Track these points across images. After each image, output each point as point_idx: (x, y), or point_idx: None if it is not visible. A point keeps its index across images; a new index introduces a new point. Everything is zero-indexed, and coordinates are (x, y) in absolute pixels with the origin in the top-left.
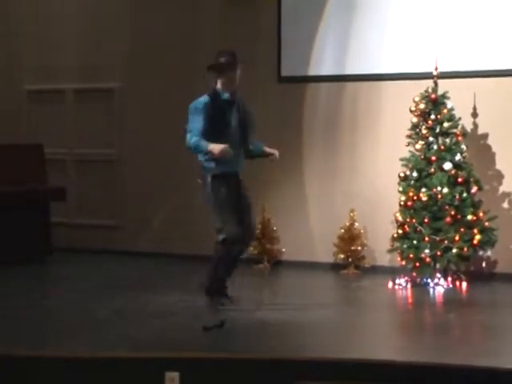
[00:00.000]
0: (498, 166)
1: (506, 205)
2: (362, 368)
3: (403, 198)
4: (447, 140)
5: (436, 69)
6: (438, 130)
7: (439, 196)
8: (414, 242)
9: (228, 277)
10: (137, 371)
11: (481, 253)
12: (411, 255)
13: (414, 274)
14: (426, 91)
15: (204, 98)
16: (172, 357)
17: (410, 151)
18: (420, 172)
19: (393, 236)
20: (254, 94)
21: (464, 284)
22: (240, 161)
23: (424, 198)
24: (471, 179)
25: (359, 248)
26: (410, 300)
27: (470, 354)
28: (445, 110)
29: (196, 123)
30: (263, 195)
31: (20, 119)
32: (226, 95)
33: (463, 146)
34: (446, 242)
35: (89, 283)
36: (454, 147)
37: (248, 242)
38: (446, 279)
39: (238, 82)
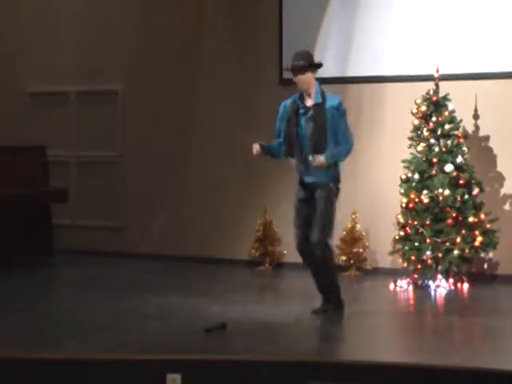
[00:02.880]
0: (500, 168)
1: (507, 207)
2: (366, 370)
3: (405, 199)
4: (448, 142)
5: (437, 71)
6: (439, 132)
7: (441, 198)
8: (416, 243)
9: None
10: (138, 373)
11: (482, 255)
12: (413, 257)
13: (416, 275)
14: (428, 93)
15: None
16: (174, 358)
17: (411, 153)
18: (422, 174)
19: (394, 238)
20: (256, 97)
21: (466, 286)
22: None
23: (425, 200)
24: (472, 181)
25: (361, 250)
26: (411, 302)
27: (472, 355)
28: (446, 112)
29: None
30: (265, 197)
31: (23, 121)
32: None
33: (464, 148)
34: (447, 243)
35: (90, 285)
36: (455, 149)
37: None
38: (447, 281)
39: (302, 86)
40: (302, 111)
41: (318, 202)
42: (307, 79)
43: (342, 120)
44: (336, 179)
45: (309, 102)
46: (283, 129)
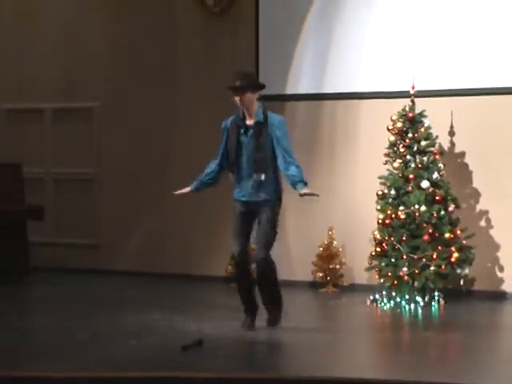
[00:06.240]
0: (475, 185)
1: (483, 223)
2: None
3: (381, 216)
4: (424, 158)
5: (413, 87)
6: (415, 149)
7: (417, 214)
8: (392, 260)
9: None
10: None
11: (458, 271)
12: (389, 273)
13: (392, 292)
14: (404, 110)
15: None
16: (150, 376)
17: (387, 169)
18: (398, 190)
19: (371, 254)
20: (232, 113)
21: (441, 302)
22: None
23: (402, 216)
24: (448, 197)
25: (337, 266)
26: (387, 318)
27: (447, 372)
28: (422, 129)
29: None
30: None
31: None
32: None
33: (440, 165)
34: (423, 259)
35: (66, 303)
36: (431, 165)
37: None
38: (423, 297)
39: (242, 105)
40: (242, 130)
41: (262, 219)
42: (248, 99)
43: (285, 138)
44: (278, 195)
45: (250, 121)
46: (223, 148)
